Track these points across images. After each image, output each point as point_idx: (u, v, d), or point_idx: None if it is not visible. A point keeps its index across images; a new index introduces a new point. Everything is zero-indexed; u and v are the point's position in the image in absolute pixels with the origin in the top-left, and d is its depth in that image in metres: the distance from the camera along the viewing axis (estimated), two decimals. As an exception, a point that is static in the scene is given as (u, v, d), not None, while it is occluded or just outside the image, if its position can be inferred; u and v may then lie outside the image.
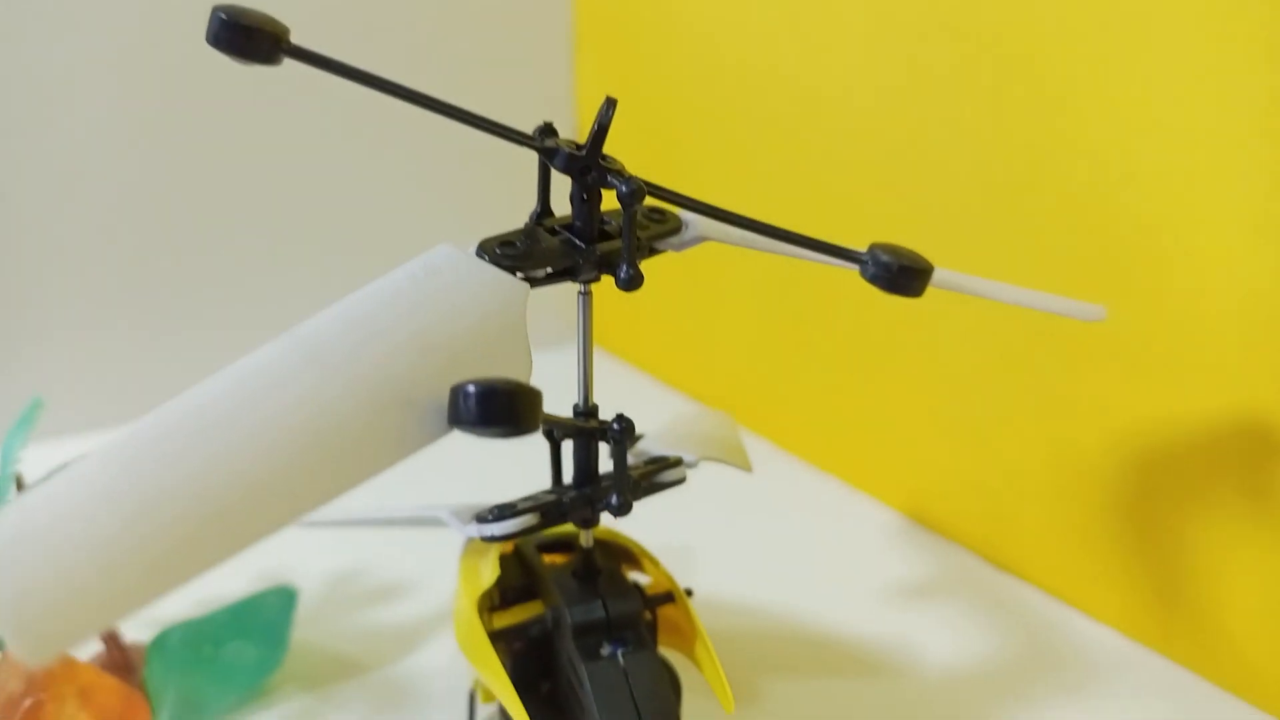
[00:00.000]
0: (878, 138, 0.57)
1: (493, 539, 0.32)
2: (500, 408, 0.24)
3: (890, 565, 0.56)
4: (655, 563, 0.38)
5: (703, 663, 0.35)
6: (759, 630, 0.50)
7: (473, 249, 0.29)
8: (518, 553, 0.38)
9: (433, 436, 0.25)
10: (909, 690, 0.46)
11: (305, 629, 0.49)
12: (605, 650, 0.33)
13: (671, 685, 0.37)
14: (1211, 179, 0.42)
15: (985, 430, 0.55)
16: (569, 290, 0.33)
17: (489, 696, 0.40)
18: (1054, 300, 0.37)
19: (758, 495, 0.64)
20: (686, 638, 0.36)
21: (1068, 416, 0.50)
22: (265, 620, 0.45)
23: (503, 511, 0.32)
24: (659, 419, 0.66)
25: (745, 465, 0.40)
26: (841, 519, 0.61)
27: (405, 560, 0.55)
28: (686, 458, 0.36)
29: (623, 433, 0.32)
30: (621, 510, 0.33)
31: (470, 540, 0.40)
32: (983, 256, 0.52)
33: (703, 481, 0.64)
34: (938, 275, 0.33)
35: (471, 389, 0.24)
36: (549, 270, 0.30)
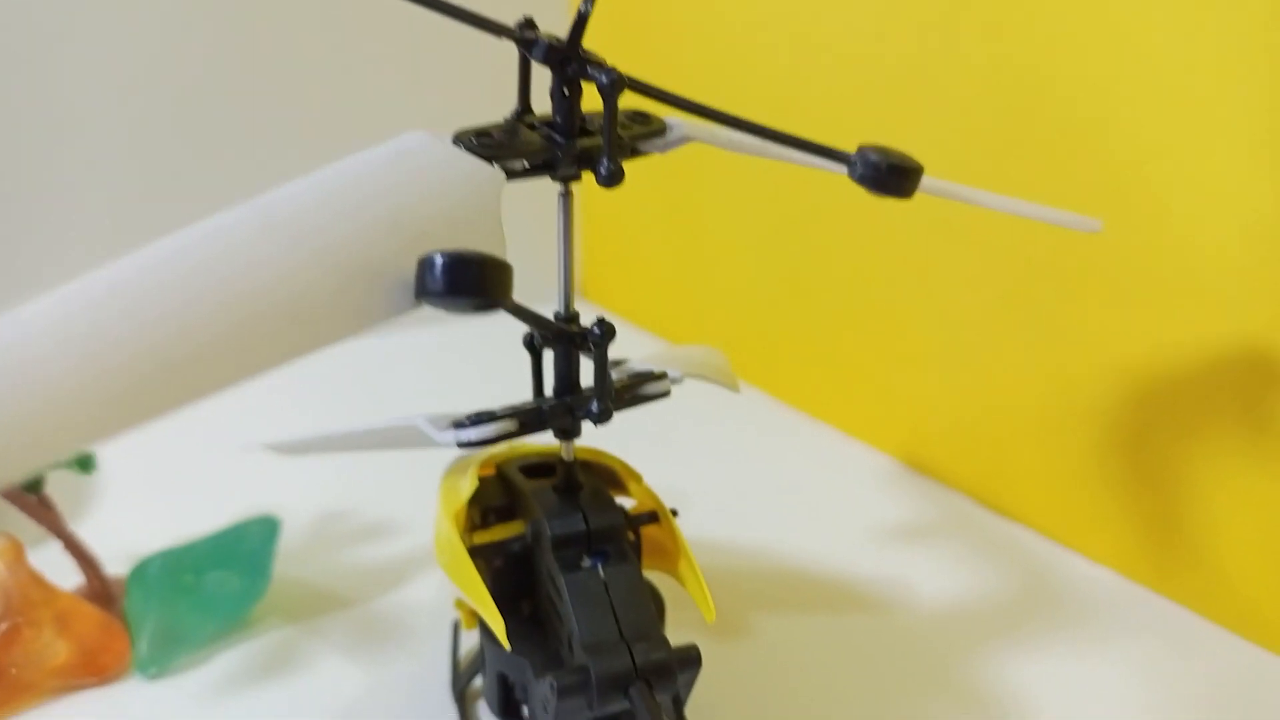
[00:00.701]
0: (874, 62, 0.55)
1: (469, 444, 0.31)
2: (468, 277, 0.23)
3: (884, 508, 0.55)
4: (640, 481, 0.37)
5: (685, 577, 0.34)
6: (751, 568, 0.50)
7: (449, 138, 0.28)
8: (500, 474, 0.38)
9: (398, 310, 0.24)
10: (900, 627, 0.45)
11: (290, 565, 0.49)
12: (585, 563, 0.32)
13: (654, 603, 0.36)
14: (1210, 103, 0.41)
15: (980, 371, 0.54)
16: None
17: (471, 622, 0.39)
18: (1048, 211, 0.36)
19: (753, 443, 0.63)
20: (670, 556, 0.35)
21: (1062, 352, 0.49)
22: (247, 550, 0.45)
23: (479, 417, 0.31)
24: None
25: (732, 385, 0.39)
26: (836, 465, 0.60)
27: (392, 501, 0.55)
28: (671, 373, 0.35)
29: (603, 336, 0.31)
30: (601, 417, 0.32)
31: (452, 463, 0.39)
32: (979, 183, 0.51)
33: (698, 429, 0.63)
34: (928, 182, 0.32)
35: (439, 258, 0.23)
36: (526, 164, 0.29)
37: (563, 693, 0.29)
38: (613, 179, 0.30)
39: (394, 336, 0.76)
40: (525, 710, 0.36)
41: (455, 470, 0.37)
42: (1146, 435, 0.47)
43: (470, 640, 0.43)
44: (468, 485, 0.35)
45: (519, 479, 0.36)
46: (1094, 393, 0.48)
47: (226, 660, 0.43)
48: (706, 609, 0.32)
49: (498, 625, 0.30)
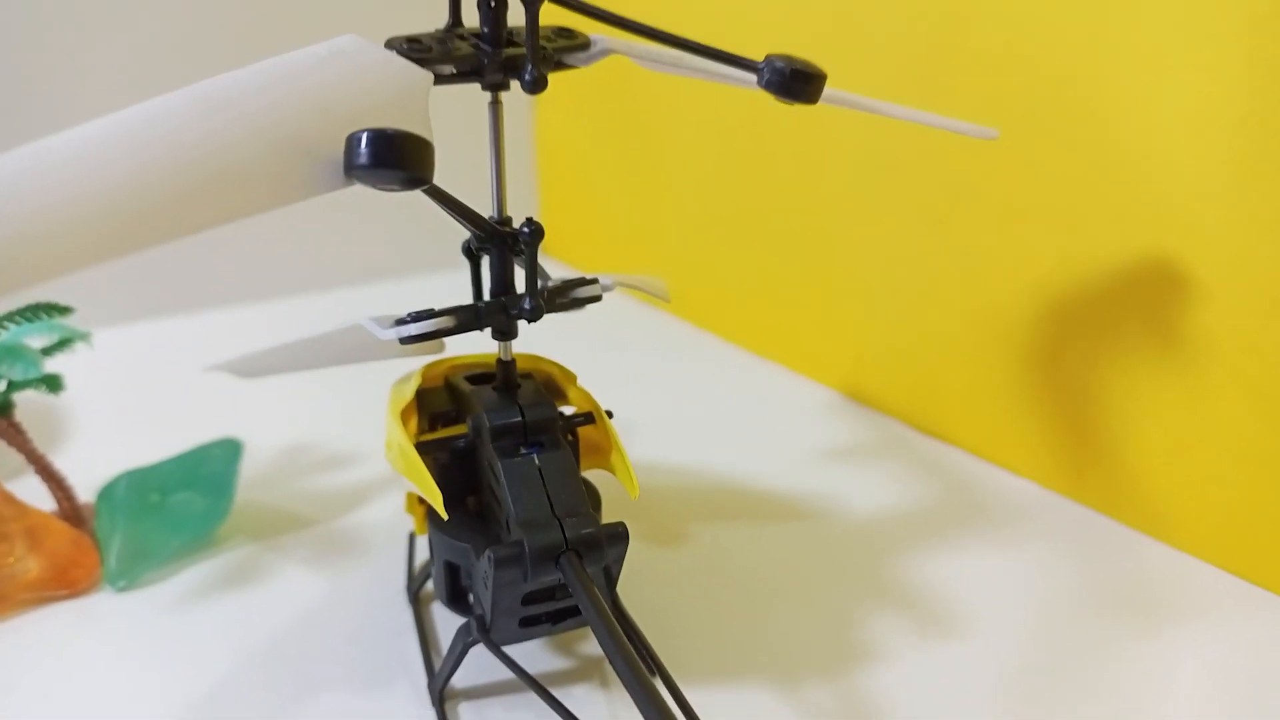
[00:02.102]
0: None
1: (411, 339, 0.33)
2: (391, 150, 0.24)
3: (823, 434, 0.57)
4: (576, 384, 0.38)
5: (616, 466, 0.36)
6: (694, 486, 0.52)
7: (381, 43, 0.30)
8: (446, 384, 0.39)
9: (329, 186, 0.26)
10: (833, 532, 0.47)
11: (255, 491, 0.50)
12: (522, 452, 0.34)
13: (590, 496, 0.37)
14: (1121, 27, 0.43)
15: (913, 303, 0.56)
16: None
17: (423, 527, 0.41)
18: (946, 120, 0.38)
19: (704, 379, 0.65)
20: (605, 453, 0.37)
21: (987, 278, 0.51)
22: (211, 471, 0.46)
23: (420, 315, 0.33)
24: (604, 319, 0.66)
25: (664, 298, 0.40)
26: (781, 398, 0.62)
27: (353, 435, 0.56)
28: (603, 279, 0.36)
29: (532, 235, 0.33)
30: (533, 314, 0.34)
31: (399, 378, 0.40)
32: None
33: (653, 369, 0.65)
34: (833, 93, 0.33)
35: (364, 133, 0.24)
36: (454, 69, 0.31)
37: (499, 564, 0.31)
38: (535, 85, 0.31)
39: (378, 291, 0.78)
40: (470, 598, 0.37)
41: (401, 380, 0.39)
42: (1062, 353, 0.49)
43: (425, 551, 0.45)
44: (413, 384, 0.37)
45: (463, 385, 0.38)
46: (1014, 315, 0.50)
47: (193, 574, 0.44)
48: (632, 487, 0.34)
49: (436, 498, 0.32)
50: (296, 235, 0.77)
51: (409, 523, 0.48)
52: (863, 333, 0.60)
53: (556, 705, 0.32)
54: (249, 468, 0.51)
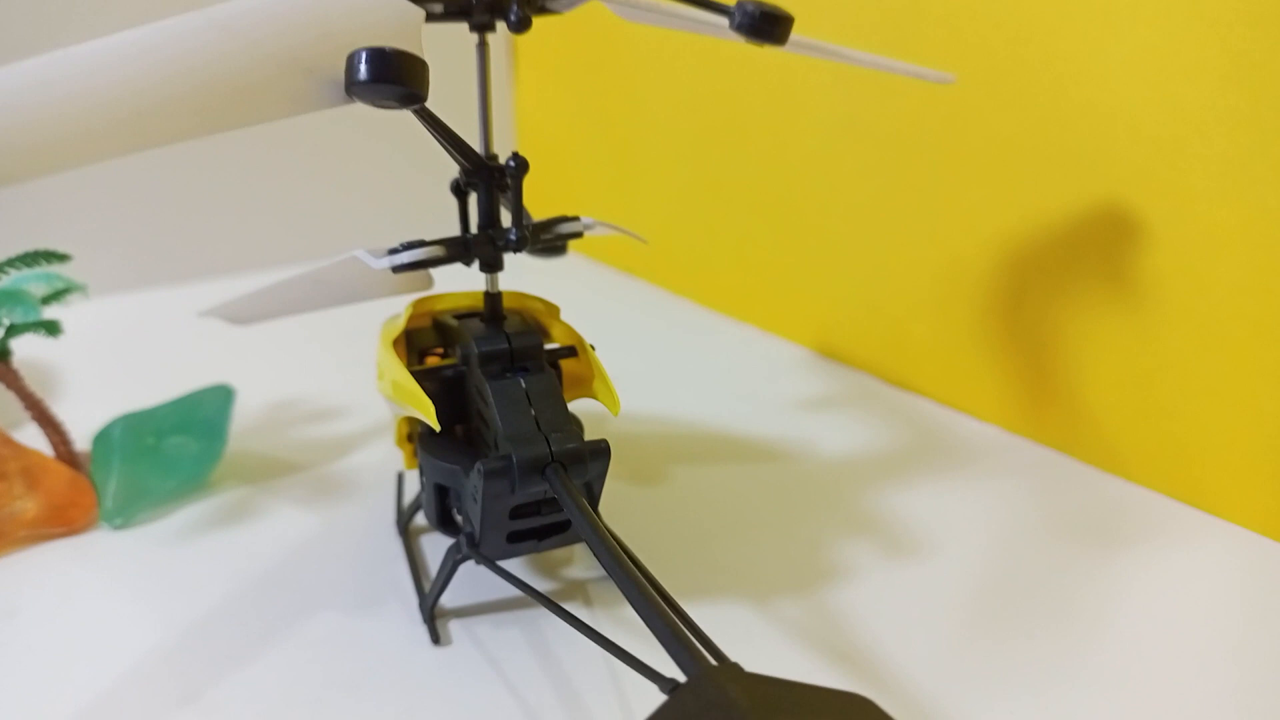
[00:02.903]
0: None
1: (404, 267, 0.34)
2: (390, 66, 0.26)
3: (795, 387, 0.59)
4: (557, 317, 0.40)
5: (598, 390, 0.37)
6: (671, 434, 0.53)
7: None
8: (435, 322, 0.41)
9: (329, 102, 0.27)
10: (803, 472, 0.49)
11: (246, 441, 0.51)
12: (509, 376, 0.35)
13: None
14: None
15: (879, 261, 0.58)
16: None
17: (413, 462, 0.42)
18: (905, 65, 0.40)
19: (680, 341, 0.67)
20: (588, 383, 0.39)
21: (949, 234, 0.53)
22: (204, 416, 0.47)
23: (411, 244, 0.34)
24: (581, 285, 0.68)
25: (641, 238, 0.42)
26: (755, 356, 0.64)
27: (340, 389, 0.58)
28: (584, 219, 0.38)
29: (518, 168, 0.34)
30: (519, 244, 0.35)
31: (388, 318, 0.42)
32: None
33: (625, 332, 0.67)
34: (799, 39, 0.35)
35: (364, 51, 0.26)
36: (443, 8, 0.32)
37: (489, 475, 0.32)
38: (521, 25, 0.33)
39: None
40: (459, 519, 0.39)
41: (391, 318, 0.41)
42: (1022, 301, 0.51)
43: (413, 488, 0.46)
44: (404, 318, 0.39)
45: (451, 321, 0.39)
46: (976, 268, 0.52)
47: (188, 513, 0.45)
48: (613, 404, 0.36)
49: (428, 410, 0.33)
50: (290, 208, 0.79)
51: (397, 464, 0.49)
52: (832, 291, 0.62)
53: (551, 605, 0.34)
54: (240, 420, 0.52)
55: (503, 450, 0.33)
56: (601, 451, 0.34)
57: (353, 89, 0.26)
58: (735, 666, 0.24)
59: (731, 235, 0.68)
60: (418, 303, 0.40)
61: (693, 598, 0.39)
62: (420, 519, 0.44)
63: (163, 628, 0.37)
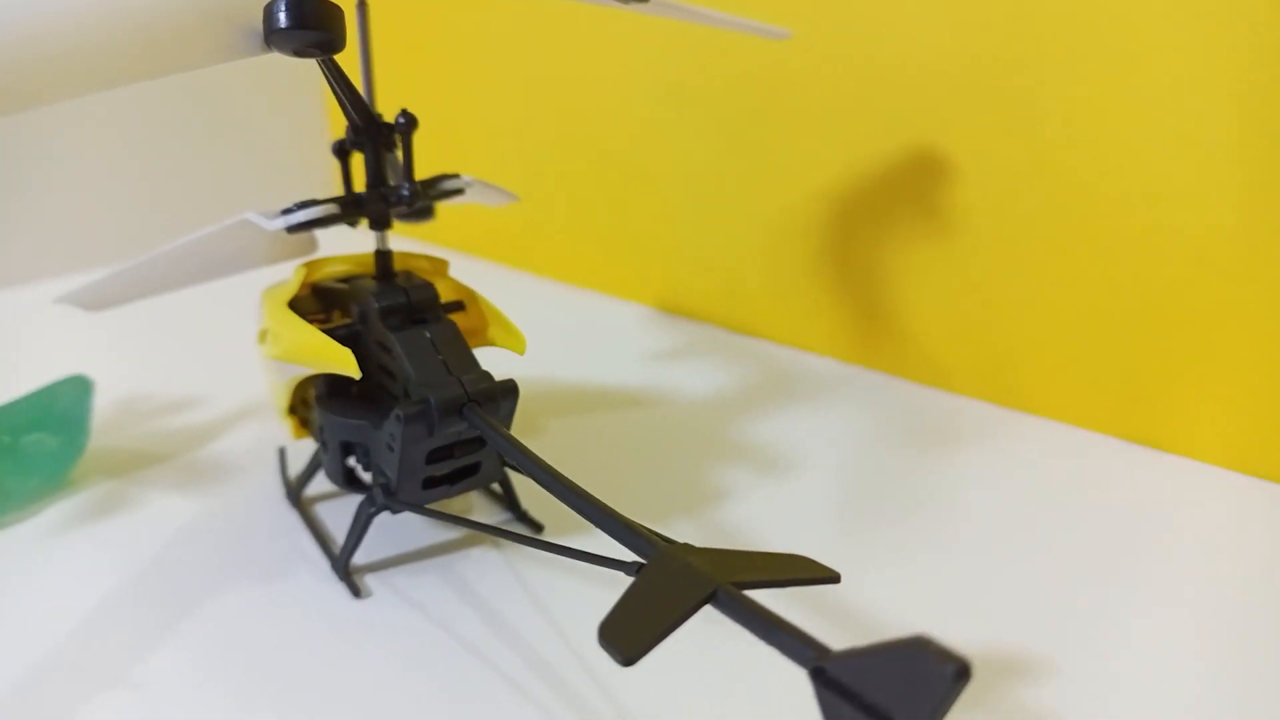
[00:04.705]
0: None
1: (299, 226, 0.34)
2: (309, 13, 0.26)
3: (645, 343, 0.62)
4: (445, 273, 0.41)
5: (495, 336, 0.39)
6: (539, 394, 0.55)
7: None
8: (314, 289, 0.41)
9: (249, 51, 0.27)
10: (670, 413, 0.52)
11: (102, 437, 0.49)
12: (412, 327, 0.36)
13: None
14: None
15: (715, 218, 0.62)
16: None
17: (301, 431, 0.42)
18: (744, 21, 0.43)
19: (523, 313, 0.67)
20: (482, 332, 0.40)
21: (780, 187, 0.58)
22: (62, 410, 0.45)
23: (304, 204, 0.34)
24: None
25: (513, 198, 0.44)
26: (602, 319, 0.66)
27: (198, 377, 0.56)
28: (464, 177, 0.39)
29: (407, 124, 0.35)
30: (411, 199, 0.36)
31: (266, 288, 0.41)
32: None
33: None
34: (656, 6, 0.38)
35: (281, 0, 0.26)
36: None
37: (409, 419, 0.33)
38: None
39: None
40: (368, 476, 0.39)
41: (274, 285, 0.40)
42: (849, 244, 0.56)
43: (300, 459, 0.46)
44: (294, 280, 0.38)
45: (335, 285, 0.39)
46: (805, 216, 0.57)
47: (56, 512, 0.43)
48: (518, 344, 0.37)
49: (346, 358, 0.33)
50: (143, 204, 0.75)
51: (269, 444, 0.48)
52: (668, 250, 0.65)
53: (482, 527, 0.34)
54: (95, 412, 0.50)
55: (417, 395, 0.34)
56: (511, 390, 0.35)
57: (272, 37, 0.27)
58: (686, 544, 0.27)
59: (564, 205, 0.70)
60: (310, 265, 0.40)
61: (581, 528, 0.41)
62: (311, 489, 0.44)
63: (62, 619, 0.36)
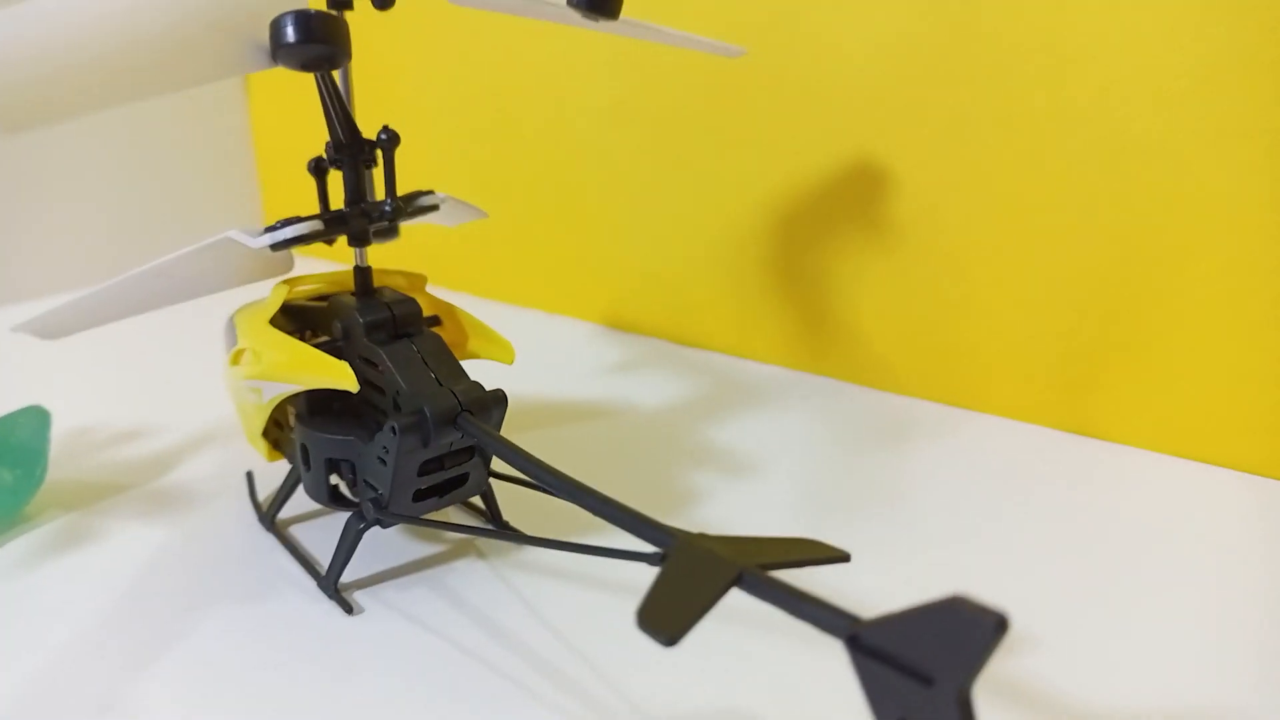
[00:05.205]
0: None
1: (284, 243, 0.34)
2: (317, 27, 0.27)
3: (596, 359, 0.63)
4: (421, 289, 0.41)
5: (478, 348, 0.39)
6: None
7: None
8: (286, 310, 0.40)
9: (255, 66, 0.27)
10: (628, 425, 0.53)
11: (59, 468, 0.48)
12: (398, 340, 0.36)
13: None
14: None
15: (659, 233, 0.63)
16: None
17: (275, 454, 0.42)
18: (702, 39, 0.45)
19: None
20: (462, 345, 0.40)
21: (723, 201, 0.59)
22: (19, 441, 0.44)
23: (288, 221, 0.34)
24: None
25: (482, 214, 0.44)
26: (547, 338, 0.67)
27: (150, 406, 0.55)
28: (439, 194, 0.40)
29: (389, 140, 0.36)
30: (395, 215, 0.36)
31: (234, 311, 0.41)
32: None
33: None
34: (625, 19, 0.39)
35: (289, 14, 0.27)
36: None
37: (404, 430, 0.33)
38: (384, 2, 0.34)
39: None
40: (354, 492, 0.39)
41: (248, 305, 0.40)
42: (792, 254, 0.58)
43: (266, 483, 0.45)
44: (274, 298, 0.38)
45: (310, 304, 0.39)
46: (749, 229, 0.59)
47: (14, 547, 0.41)
48: (505, 354, 0.38)
49: (343, 370, 0.33)
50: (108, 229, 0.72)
51: (235, 468, 0.48)
52: (613, 267, 0.66)
53: (486, 532, 0.35)
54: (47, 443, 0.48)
55: (410, 407, 0.34)
56: (501, 399, 0.36)
57: (280, 52, 0.27)
58: (702, 534, 0.28)
59: (506, 227, 0.71)
60: (289, 283, 0.40)
61: (559, 533, 0.41)
62: (285, 511, 0.43)
63: (38, 654, 0.35)
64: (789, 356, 0.59)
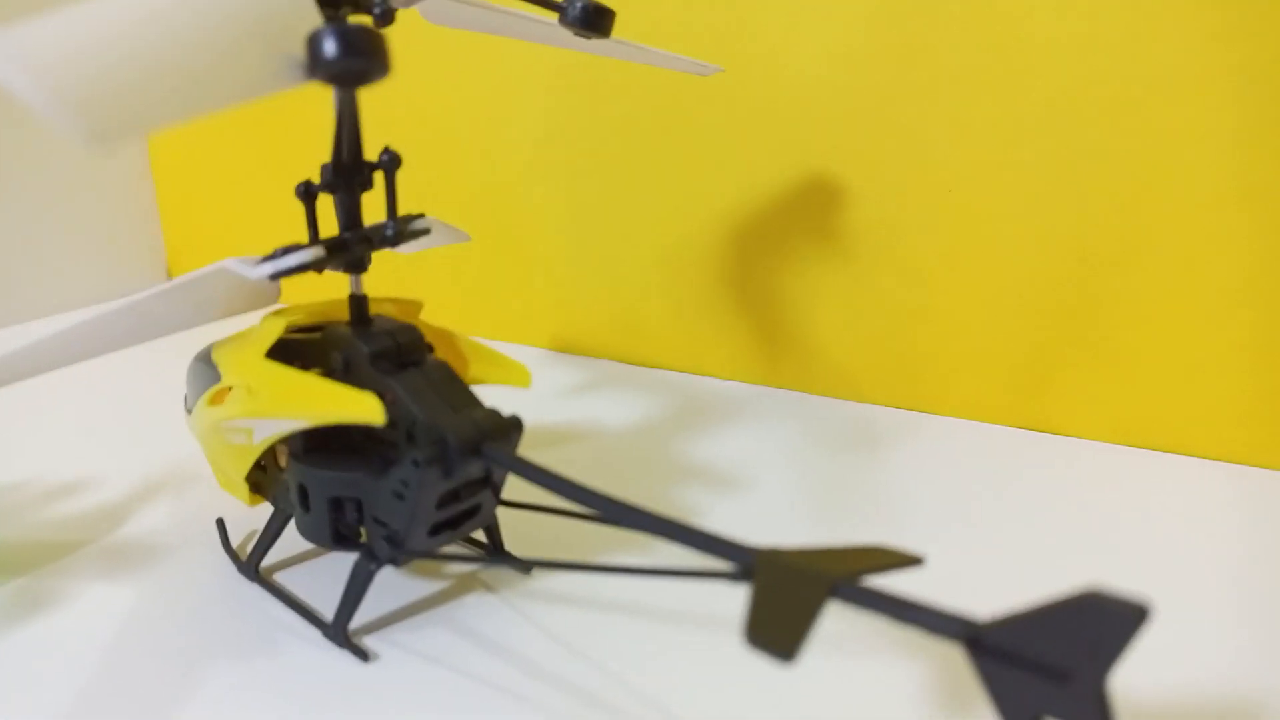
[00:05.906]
0: None
1: (284, 272, 0.32)
2: (359, 41, 0.25)
3: (551, 383, 0.61)
4: (416, 316, 0.39)
5: (482, 374, 0.38)
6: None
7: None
8: (280, 343, 0.38)
9: (289, 83, 0.25)
10: (599, 448, 0.52)
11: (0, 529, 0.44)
12: (404, 370, 0.35)
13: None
14: None
15: (608, 253, 0.62)
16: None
17: (256, 499, 0.39)
18: (679, 58, 0.44)
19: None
20: (461, 372, 0.38)
21: (676, 218, 0.59)
22: (-39, 502, 0.39)
23: (288, 249, 0.32)
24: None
25: (465, 235, 0.43)
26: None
27: (87, 457, 0.51)
28: (428, 218, 0.38)
29: (391, 161, 0.34)
30: (397, 239, 0.35)
31: (203, 352, 0.38)
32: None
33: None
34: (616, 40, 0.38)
35: (327, 30, 0.25)
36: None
37: (427, 463, 0.32)
38: (385, 19, 0.33)
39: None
40: (361, 533, 0.36)
41: (229, 339, 0.37)
42: (748, 269, 0.58)
43: (239, 529, 0.42)
44: (269, 330, 0.36)
45: (302, 336, 0.37)
46: (703, 244, 0.59)
47: (-36, 618, 0.38)
48: (521, 377, 0.36)
49: (368, 402, 0.31)
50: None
51: (193, 515, 0.44)
52: (561, 291, 0.65)
53: (494, 559, 0.33)
54: (-22, 509, 0.44)
55: (429, 438, 0.33)
56: (518, 424, 0.34)
57: (319, 67, 0.25)
58: (773, 548, 0.27)
59: (443, 252, 0.69)
60: (280, 314, 0.37)
61: (554, 552, 0.40)
62: (269, 558, 0.41)
63: (38, 715, 0.31)
64: (746, 371, 0.60)
